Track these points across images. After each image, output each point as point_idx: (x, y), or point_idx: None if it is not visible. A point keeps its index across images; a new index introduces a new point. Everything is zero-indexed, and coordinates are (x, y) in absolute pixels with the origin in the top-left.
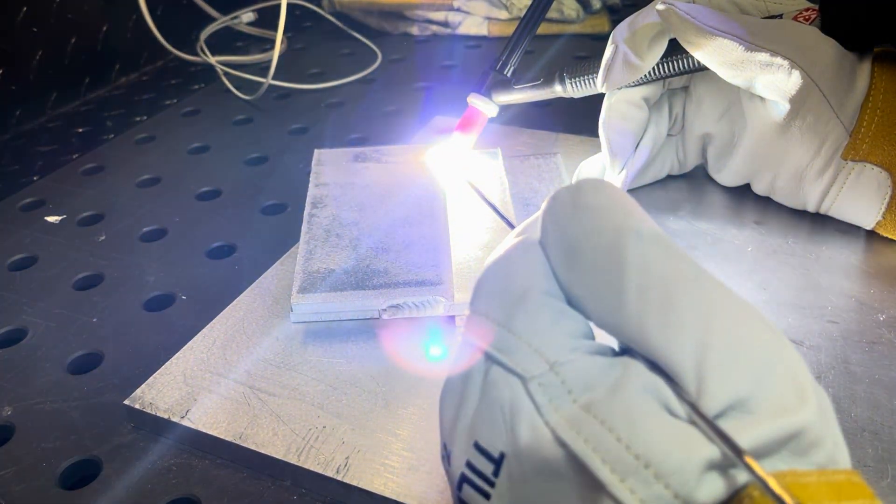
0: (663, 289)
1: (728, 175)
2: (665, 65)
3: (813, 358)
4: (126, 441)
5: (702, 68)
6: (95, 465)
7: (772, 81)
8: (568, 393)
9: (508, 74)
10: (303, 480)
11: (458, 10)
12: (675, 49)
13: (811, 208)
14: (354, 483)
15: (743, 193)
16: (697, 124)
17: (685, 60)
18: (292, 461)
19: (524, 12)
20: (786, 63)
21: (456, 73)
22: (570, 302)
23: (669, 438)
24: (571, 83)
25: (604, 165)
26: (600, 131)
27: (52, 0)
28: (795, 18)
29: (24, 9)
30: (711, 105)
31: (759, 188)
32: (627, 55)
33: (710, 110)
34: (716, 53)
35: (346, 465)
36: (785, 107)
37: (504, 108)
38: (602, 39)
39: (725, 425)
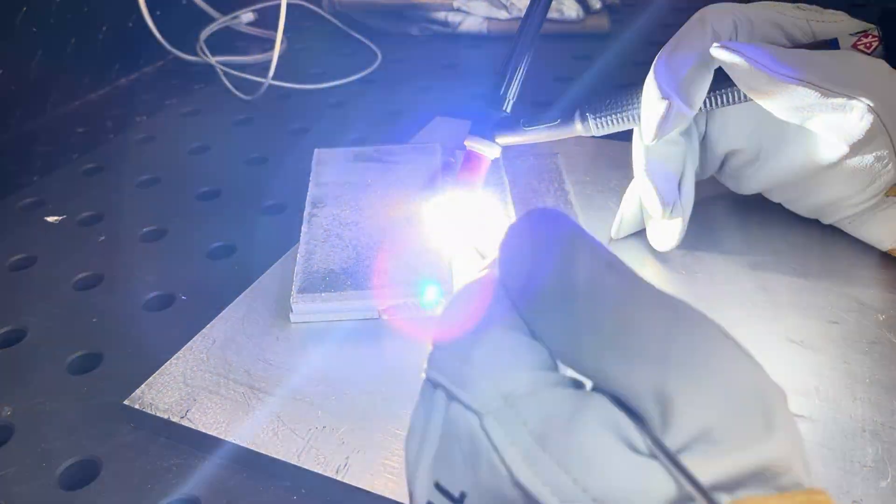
0: (617, 318)
1: (746, 187)
2: (708, 101)
3: (813, 358)
4: (126, 441)
5: (747, 100)
6: (95, 465)
7: (836, 122)
8: (524, 425)
9: (508, 110)
10: (303, 480)
11: (458, 10)
12: (716, 83)
13: (826, 222)
14: (354, 483)
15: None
16: (723, 142)
17: (730, 94)
18: (292, 461)
19: (514, 40)
20: (862, 107)
21: (456, 72)
22: (535, 338)
23: (627, 479)
24: (596, 122)
25: (640, 209)
26: (644, 179)
27: (52, 0)
28: (855, 46)
29: (24, 9)
30: (738, 125)
31: (775, 198)
32: (681, 108)
33: (737, 130)
34: (785, 100)
35: (346, 466)
36: (842, 148)
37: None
38: (602, 39)
39: (690, 459)
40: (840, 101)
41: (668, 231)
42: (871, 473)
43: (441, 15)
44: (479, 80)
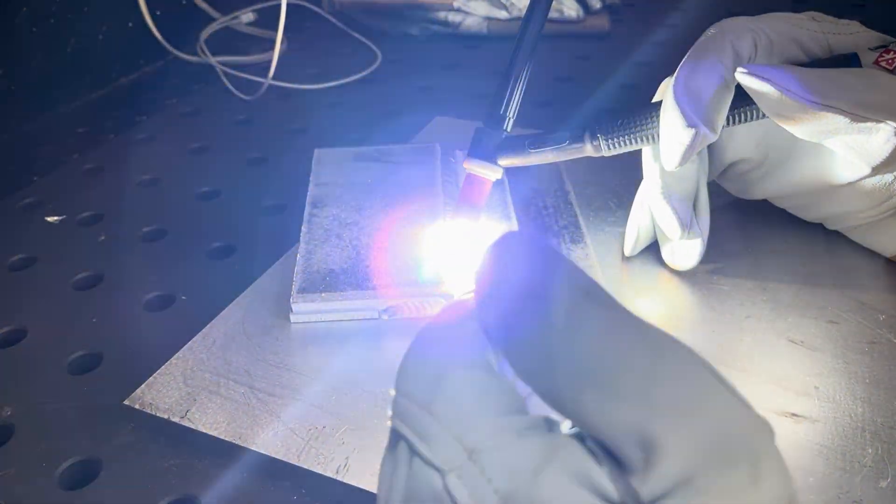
0: (596, 353)
1: (750, 193)
2: (727, 121)
3: (813, 358)
4: (126, 441)
5: (765, 117)
6: (95, 465)
7: (859, 143)
8: (488, 483)
9: (508, 129)
10: (303, 480)
11: (459, 10)
12: (734, 101)
13: (830, 228)
14: (354, 483)
15: None
16: (730, 152)
17: (749, 113)
18: (292, 461)
19: (512, 55)
20: (889, 130)
21: (456, 72)
22: (513, 366)
23: None
24: (607, 143)
25: (653, 226)
26: (661, 202)
27: (52, 0)
28: (877, 63)
29: (24, 9)
30: (746, 135)
31: (781, 205)
32: (707, 135)
33: (745, 140)
34: (813, 126)
35: (345, 466)
36: (863, 168)
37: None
38: (602, 40)
39: None
40: (868, 124)
41: (686, 251)
42: (871, 473)
43: (441, 15)
44: (479, 80)
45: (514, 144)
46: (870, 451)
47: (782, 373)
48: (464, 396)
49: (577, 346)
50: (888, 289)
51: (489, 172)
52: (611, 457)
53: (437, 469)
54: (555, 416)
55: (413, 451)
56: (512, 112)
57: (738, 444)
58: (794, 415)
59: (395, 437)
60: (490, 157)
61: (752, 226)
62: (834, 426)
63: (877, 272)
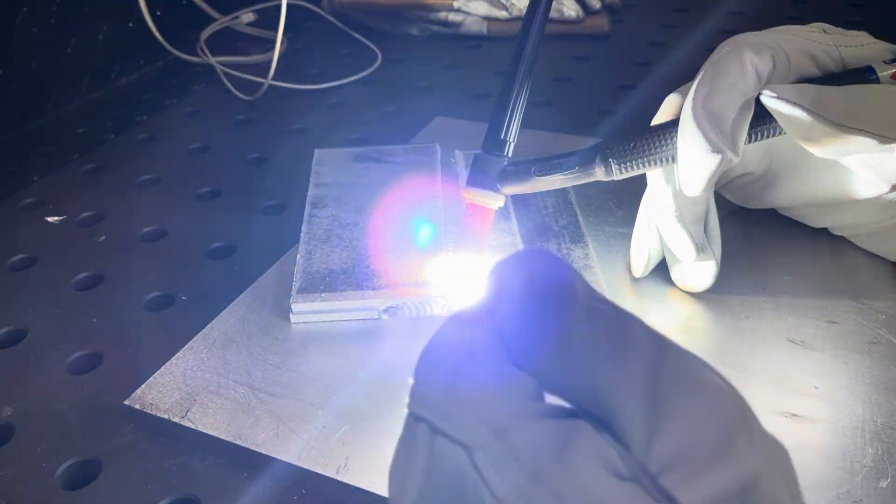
0: (610, 340)
1: (752, 203)
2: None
3: (813, 358)
4: (126, 441)
5: (783, 133)
6: (95, 465)
7: (879, 162)
8: (515, 461)
9: (509, 154)
10: (303, 480)
11: (459, 10)
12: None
13: (836, 233)
14: (354, 483)
15: None
16: (738, 166)
17: (767, 131)
18: (292, 461)
19: (509, 75)
20: None
21: (456, 72)
22: (518, 365)
23: None
24: (619, 167)
25: (655, 255)
26: (675, 226)
27: (52, 0)
28: (894, 77)
29: (24, 9)
30: (752, 149)
31: (786, 213)
32: (732, 160)
33: (750, 154)
34: (840, 147)
35: (346, 465)
36: (881, 186)
37: None
38: (602, 40)
39: (674, 478)
40: (892, 145)
41: (699, 273)
42: (871, 473)
43: (441, 15)
44: (479, 80)
45: (519, 171)
46: (870, 451)
47: (782, 373)
48: (485, 382)
49: (593, 334)
50: (888, 289)
51: (491, 201)
52: (615, 436)
53: (463, 445)
54: (566, 403)
55: (435, 431)
56: (512, 136)
57: (735, 419)
58: (794, 415)
59: (413, 422)
60: (491, 185)
61: (753, 226)
62: (834, 426)
63: (877, 272)
